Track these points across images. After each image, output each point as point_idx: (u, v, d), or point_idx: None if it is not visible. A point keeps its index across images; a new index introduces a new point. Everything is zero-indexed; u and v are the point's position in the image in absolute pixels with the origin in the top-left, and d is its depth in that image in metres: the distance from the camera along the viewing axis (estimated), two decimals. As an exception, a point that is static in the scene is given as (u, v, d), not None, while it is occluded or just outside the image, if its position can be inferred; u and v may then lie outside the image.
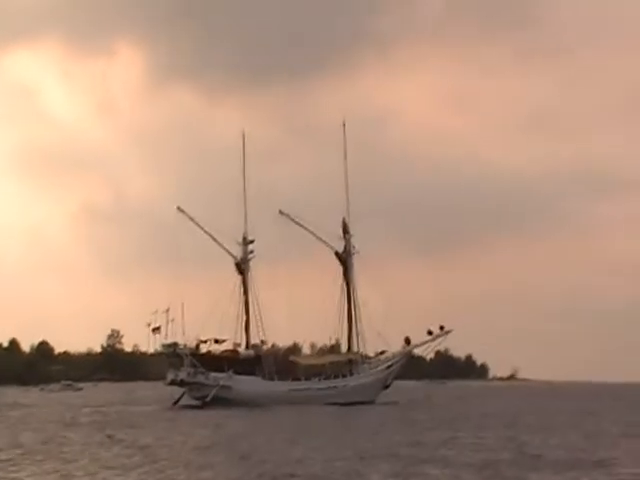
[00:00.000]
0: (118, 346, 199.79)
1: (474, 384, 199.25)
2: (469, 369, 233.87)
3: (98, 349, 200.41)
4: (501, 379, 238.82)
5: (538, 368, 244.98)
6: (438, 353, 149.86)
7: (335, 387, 76.46)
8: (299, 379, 76.66)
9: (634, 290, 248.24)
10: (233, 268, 79.24)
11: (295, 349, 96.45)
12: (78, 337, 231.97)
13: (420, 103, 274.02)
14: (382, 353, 79.43)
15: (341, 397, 74.35)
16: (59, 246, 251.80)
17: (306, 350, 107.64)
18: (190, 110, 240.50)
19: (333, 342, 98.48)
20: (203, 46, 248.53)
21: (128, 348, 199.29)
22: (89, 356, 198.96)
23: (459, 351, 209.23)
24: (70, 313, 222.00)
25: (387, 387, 79.57)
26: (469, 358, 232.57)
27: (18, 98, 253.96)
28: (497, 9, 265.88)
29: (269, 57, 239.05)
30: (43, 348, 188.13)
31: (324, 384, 76.60)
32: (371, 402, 75.87)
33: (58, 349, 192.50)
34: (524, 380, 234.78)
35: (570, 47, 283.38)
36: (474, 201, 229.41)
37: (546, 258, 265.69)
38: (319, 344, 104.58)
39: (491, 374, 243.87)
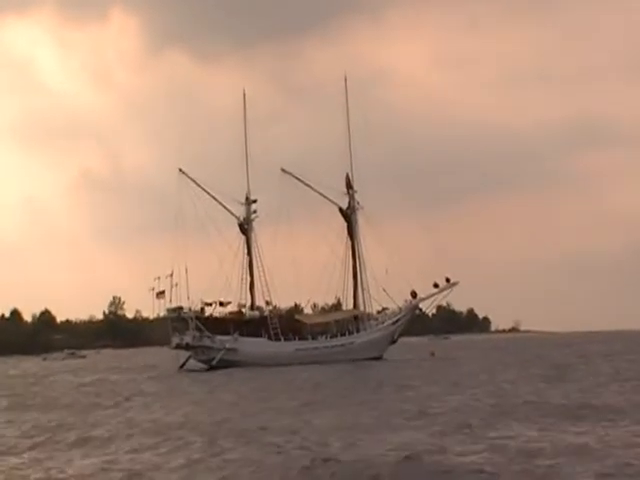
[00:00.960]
0: (120, 312, 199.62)
1: (477, 337, 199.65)
2: (471, 323, 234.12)
3: (100, 316, 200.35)
4: (503, 331, 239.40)
5: (540, 319, 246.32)
6: (440, 308, 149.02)
7: (342, 345, 75.80)
8: (305, 338, 76.02)
9: (627, 238, 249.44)
10: (236, 229, 78.40)
11: (297, 310, 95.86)
12: (80, 305, 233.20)
13: (413, 63, 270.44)
14: (384, 310, 78.98)
15: (348, 354, 73.66)
16: (58, 215, 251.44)
17: (308, 310, 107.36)
18: (186, 75, 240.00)
19: (334, 301, 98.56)
20: (198, 10, 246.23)
21: (130, 314, 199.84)
22: (91, 324, 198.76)
23: (461, 305, 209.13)
24: (71, 282, 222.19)
25: (394, 342, 78.98)
26: (471, 312, 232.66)
27: (12, 68, 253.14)
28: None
29: (264, 20, 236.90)
30: (45, 317, 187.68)
31: (331, 342, 76.06)
32: (379, 358, 75.43)
33: (60, 318, 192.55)
34: (526, 332, 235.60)
35: (560, 3, 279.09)
36: (471, 157, 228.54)
37: (541, 212, 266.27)
38: (321, 304, 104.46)
39: (493, 327, 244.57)
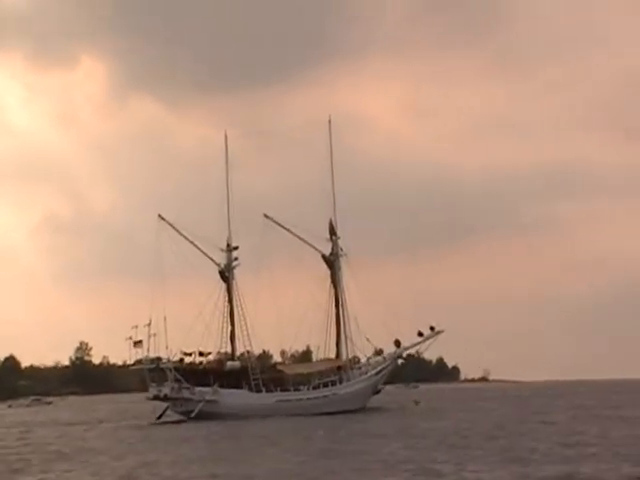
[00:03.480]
0: (87, 358, 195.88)
1: (446, 387, 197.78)
2: (440, 371, 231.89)
3: (66, 362, 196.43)
4: (472, 380, 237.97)
5: (509, 368, 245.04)
6: (409, 356, 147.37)
7: (325, 396, 73.41)
8: (287, 389, 73.45)
9: (602, 279, 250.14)
10: (217, 277, 75.83)
11: (265, 356, 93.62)
12: (45, 350, 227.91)
13: (386, 111, 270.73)
14: (376, 354, 77.06)
15: (331, 406, 71.28)
16: (22, 258, 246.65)
17: (277, 357, 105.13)
18: (153, 120, 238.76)
19: (304, 349, 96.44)
20: (165, 56, 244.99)
21: (97, 360, 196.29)
22: (57, 369, 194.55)
23: (431, 354, 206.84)
24: (36, 326, 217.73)
25: (377, 392, 77.08)
26: (440, 361, 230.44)
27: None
28: (459, 25, 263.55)
29: (234, 67, 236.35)
30: (9, 362, 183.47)
31: (313, 394, 73.59)
32: (361, 409, 73.10)
33: (25, 363, 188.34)
34: (495, 381, 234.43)
35: (527, 60, 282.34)
36: (442, 203, 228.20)
37: (513, 258, 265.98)
38: (291, 351, 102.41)
39: (462, 376, 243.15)
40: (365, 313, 75.77)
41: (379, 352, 77.92)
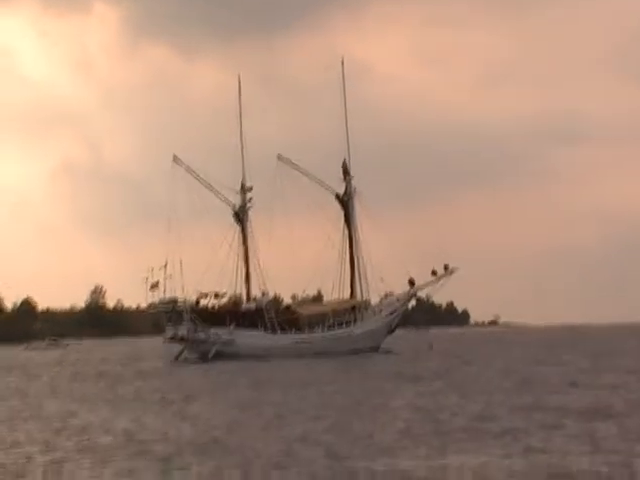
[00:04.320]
0: (101, 302, 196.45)
1: (457, 331, 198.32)
2: (451, 316, 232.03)
3: (82, 305, 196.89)
4: (482, 324, 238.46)
5: (517, 312, 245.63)
6: (420, 300, 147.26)
7: (339, 336, 73.20)
8: (302, 330, 73.13)
9: (605, 229, 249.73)
10: (231, 219, 75.44)
11: (277, 301, 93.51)
12: (61, 294, 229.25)
13: (390, 59, 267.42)
14: (387, 296, 76.68)
15: (346, 345, 71.25)
16: (40, 205, 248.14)
17: (288, 301, 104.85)
18: (167, 66, 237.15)
19: (315, 293, 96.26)
20: (177, 2, 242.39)
21: (111, 303, 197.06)
22: (72, 313, 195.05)
23: (440, 298, 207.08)
24: (53, 270, 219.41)
25: (392, 332, 76.77)
26: (450, 305, 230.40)
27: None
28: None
29: (243, 14, 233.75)
30: (26, 306, 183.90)
31: (328, 334, 73.37)
32: (377, 349, 73.30)
33: (41, 306, 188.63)
34: (505, 325, 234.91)
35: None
36: (457, 150, 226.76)
37: (518, 206, 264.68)
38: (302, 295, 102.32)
39: (472, 320, 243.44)
40: (379, 253, 75.83)
41: (389, 295, 77.48)
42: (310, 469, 17.41)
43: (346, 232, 76.76)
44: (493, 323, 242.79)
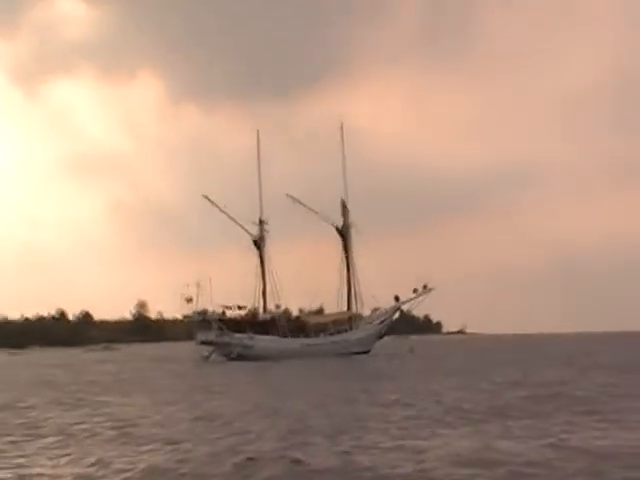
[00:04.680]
0: (145, 313, 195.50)
1: (432, 338, 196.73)
2: (427, 326, 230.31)
3: (129, 316, 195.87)
4: (452, 333, 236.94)
5: (480, 323, 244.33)
6: (403, 313, 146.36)
7: (338, 341, 72.70)
8: (309, 336, 72.62)
9: (551, 254, 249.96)
10: (251, 245, 74.94)
11: (287, 313, 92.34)
12: (113, 307, 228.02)
13: (383, 117, 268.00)
14: (376, 309, 76.18)
15: (343, 349, 70.77)
16: (96, 234, 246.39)
17: (295, 313, 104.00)
18: (198, 123, 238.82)
19: (317, 306, 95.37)
20: (206, 72, 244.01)
21: (153, 315, 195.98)
22: (121, 322, 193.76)
23: (419, 312, 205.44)
24: (106, 288, 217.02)
25: (381, 338, 76.17)
26: (427, 317, 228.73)
27: (60, 117, 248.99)
28: (441, 44, 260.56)
29: (259, 79, 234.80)
30: (85, 317, 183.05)
31: (329, 339, 72.87)
32: (367, 351, 72.44)
33: (97, 317, 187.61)
34: (471, 334, 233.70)
35: (500, 72, 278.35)
36: (434, 191, 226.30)
37: (480, 235, 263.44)
38: (307, 308, 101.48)
39: (444, 329, 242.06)
40: (371, 275, 75.16)
41: (376, 309, 76.90)
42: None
43: (344, 258, 76.09)
44: (461, 332, 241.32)
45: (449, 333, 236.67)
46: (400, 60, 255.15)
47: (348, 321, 74.75)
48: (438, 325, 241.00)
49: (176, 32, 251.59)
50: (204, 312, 70.15)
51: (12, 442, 18.32)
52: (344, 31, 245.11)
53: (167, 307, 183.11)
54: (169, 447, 16.83)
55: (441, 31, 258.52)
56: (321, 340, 72.30)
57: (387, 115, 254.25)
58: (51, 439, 18.67)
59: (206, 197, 74.24)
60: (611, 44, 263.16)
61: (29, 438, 18.98)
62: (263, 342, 70.22)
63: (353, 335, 73.43)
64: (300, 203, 75.16)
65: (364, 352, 71.33)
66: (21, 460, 15.98)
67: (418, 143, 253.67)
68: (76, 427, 20.65)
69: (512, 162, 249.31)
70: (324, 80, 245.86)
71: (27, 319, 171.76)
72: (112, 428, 20.20)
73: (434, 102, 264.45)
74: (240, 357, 68.10)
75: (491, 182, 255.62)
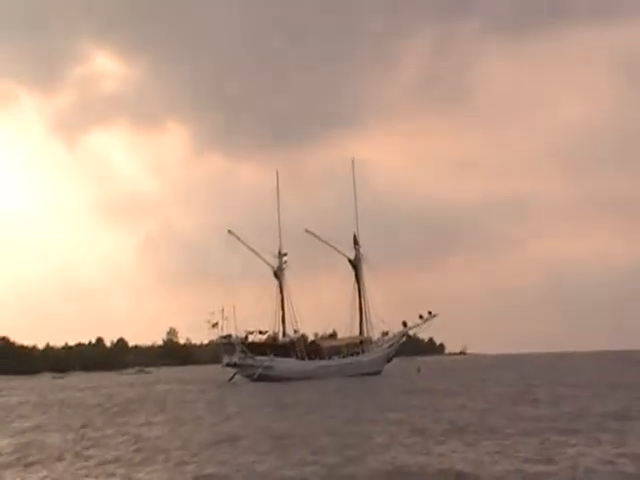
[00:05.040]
0: (175, 339, 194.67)
1: (436, 358, 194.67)
2: (430, 348, 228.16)
3: (160, 342, 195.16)
4: (454, 354, 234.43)
5: (481, 344, 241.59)
6: (409, 336, 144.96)
7: (351, 363, 71.83)
8: (324, 358, 71.75)
9: (543, 280, 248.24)
10: (272, 276, 74.49)
11: (303, 338, 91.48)
12: (146, 334, 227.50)
13: (389, 158, 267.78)
14: (386, 334, 75.39)
15: (356, 370, 69.73)
16: (129, 268, 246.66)
17: (311, 338, 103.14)
18: (221, 168, 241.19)
19: (330, 331, 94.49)
20: (228, 122, 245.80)
21: (182, 341, 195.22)
22: (153, 348, 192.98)
23: (423, 335, 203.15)
24: (139, 316, 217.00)
25: (390, 360, 75.27)
26: (431, 340, 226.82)
27: (96, 163, 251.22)
28: (440, 96, 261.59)
29: (275, 129, 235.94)
30: (120, 343, 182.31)
31: (343, 361, 71.98)
32: (378, 373, 71.47)
33: (131, 343, 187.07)
34: (472, 354, 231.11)
35: (493, 118, 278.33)
36: (436, 221, 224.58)
37: (482, 264, 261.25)
38: (321, 333, 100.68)
39: (447, 351, 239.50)
40: (380, 302, 74.28)
41: (385, 333, 76.03)
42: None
43: (356, 287, 75.30)
44: (462, 353, 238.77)
45: (451, 354, 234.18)
46: (402, 102, 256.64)
47: (359, 345, 73.84)
48: (441, 347, 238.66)
49: (201, 86, 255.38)
50: (229, 336, 69.40)
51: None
52: (350, 80, 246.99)
53: (195, 334, 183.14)
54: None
55: (440, 76, 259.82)
56: (335, 362, 71.40)
57: (389, 152, 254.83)
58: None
59: (231, 232, 73.87)
60: (605, 86, 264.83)
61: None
62: (283, 364, 69.44)
63: (364, 357, 72.56)
64: (316, 237, 74.84)
65: (374, 373, 70.40)
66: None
67: (419, 176, 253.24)
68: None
69: (510, 194, 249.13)
70: (334, 126, 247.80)
71: (69, 346, 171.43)
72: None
73: (434, 141, 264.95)
74: (261, 377, 67.37)
75: (491, 213, 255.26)
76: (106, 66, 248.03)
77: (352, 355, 72.62)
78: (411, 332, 78.56)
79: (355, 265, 75.57)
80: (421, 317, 73.54)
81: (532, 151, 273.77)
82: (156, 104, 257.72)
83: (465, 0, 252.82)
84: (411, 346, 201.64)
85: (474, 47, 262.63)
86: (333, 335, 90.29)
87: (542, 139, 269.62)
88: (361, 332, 74.69)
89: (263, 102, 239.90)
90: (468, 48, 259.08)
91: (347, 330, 75.29)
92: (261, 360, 68.75)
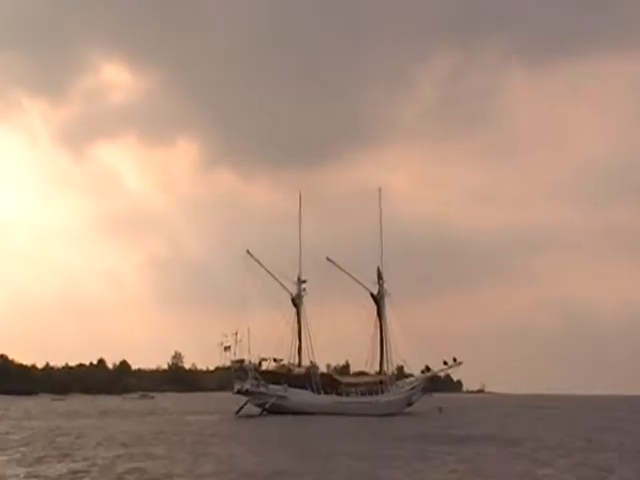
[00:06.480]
0: (180, 364, 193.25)
1: (454, 396, 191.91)
2: (448, 385, 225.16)
3: (164, 366, 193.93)
4: (472, 392, 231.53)
5: (499, 383, 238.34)
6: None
7: (369, 402, 70.36)
8: (340, 394, 70.22)
9: (560, 322, 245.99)
10: (289, 302, 73.03)
11: (314, 367, 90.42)
12: (150, 357, 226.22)
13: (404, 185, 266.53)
14: (407, 376, 74.37)
15: (373, 410, 68.34)
16: (133, 288, 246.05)
17: (323, 369, 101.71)
18: (231, 187, 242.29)
19: (343, 362, 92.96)
20: (240, 138, 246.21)
21: (187, 366, 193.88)
22: (157, 372, 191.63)
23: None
24: (143, 339, 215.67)
25: (411, 404, 73.99)
26: (448, 376, 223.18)
27: (103, 178, 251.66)
28: (457, 120, 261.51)
29: (287, 149, 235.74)
30: (123, 366, 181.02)
31: (362, 399, 70.48)
32: (396, 414, 69.45)
33: (134, 366, 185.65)
34: (490, 393, 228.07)
35: (511, 145, 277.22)
36: (454, 253, 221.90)
37: (498, 297, 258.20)
38: (333, 364, 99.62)
39: (465, 388, 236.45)
40: (402, 341, 72.69)
41: (400, 368, 75.88)
42: None
43: (377, 323, 73.92)
44: (480, 391, 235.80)
45: (469, 392, 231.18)
46: (418, 128, 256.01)
47: (379, 384, 72.43)
48: (459, 384, 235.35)
49: (213, 101, 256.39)
50: (241, 361, 67.79)
51: None
52: (368, 105, 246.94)
53: (201, 359, 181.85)
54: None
55: (458, 101, 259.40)
56: (352, 399, 69.97)
57: (406, 178, 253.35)
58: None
59: (249, 253, 72.34)
60: (628, 116, 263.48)
61: None
62: (297, 396, 68.00)
63: (383, 398, 71.33)
64: (338, 266, 73.40)
65: (393, 414, 68.39)
66: None
67: (436, 204, 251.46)
68: None
69: (528, 226, 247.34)
70: (351, 149, 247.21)
71: (69, 366, 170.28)
72: None
73: (450, 170, 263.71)
74: (273, 408, 66.04)
75: (508, 245, 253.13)
76: (115, 77, 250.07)
77: (370, 394, 71.19)
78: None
79: (378, 301, 74.25)
80: (445, 363, 73.60)
81: (551, 182, 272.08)
82: (165, 117, 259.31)
83: (487, 24, 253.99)
84: (428, 384, 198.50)
85: (495, 72, 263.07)
86: (346, 367, 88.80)
87: (562, 170, 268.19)
88: (381, 370, 73.36)
89: (276, 118, 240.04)
90: (488, 73, 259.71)
91: (364, 365, 74.10)
92: (275, 389, 67.34)
